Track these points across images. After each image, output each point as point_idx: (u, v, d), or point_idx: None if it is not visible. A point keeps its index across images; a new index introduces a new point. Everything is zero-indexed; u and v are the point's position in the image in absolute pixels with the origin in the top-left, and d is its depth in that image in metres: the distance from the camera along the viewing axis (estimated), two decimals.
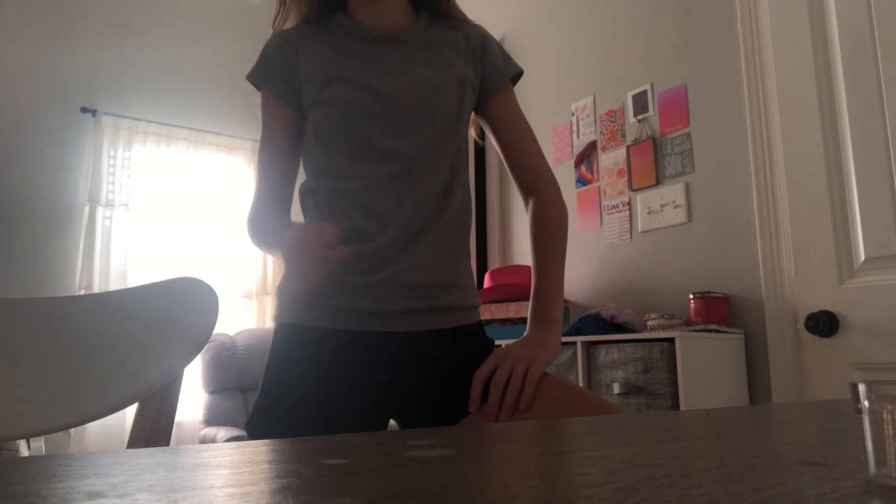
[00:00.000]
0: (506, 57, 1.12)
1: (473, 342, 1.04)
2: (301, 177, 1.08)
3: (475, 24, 1.12)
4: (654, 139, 2.46)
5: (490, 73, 1.09)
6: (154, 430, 0.82)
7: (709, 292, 2.11)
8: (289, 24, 1.07)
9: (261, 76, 1.05)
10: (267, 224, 1.01)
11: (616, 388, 2.03)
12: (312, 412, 0.92)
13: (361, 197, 0.98)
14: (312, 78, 1.02)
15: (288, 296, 1.00)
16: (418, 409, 1.00)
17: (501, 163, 3.21)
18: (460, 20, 1.11)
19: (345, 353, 0.96)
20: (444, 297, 1.01)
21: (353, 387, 0.95)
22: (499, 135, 1.10)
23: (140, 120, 3.81)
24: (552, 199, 1.08)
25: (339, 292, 0.96)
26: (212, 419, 3.34)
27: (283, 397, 0.95)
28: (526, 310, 2.52)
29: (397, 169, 0.99)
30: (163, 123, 3.89)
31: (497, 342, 1.08)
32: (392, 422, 1.04)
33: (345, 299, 0.96)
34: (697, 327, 2.04)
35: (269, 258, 4.10)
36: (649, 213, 2.45)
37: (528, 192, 1.10)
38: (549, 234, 1.06)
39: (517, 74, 1.11)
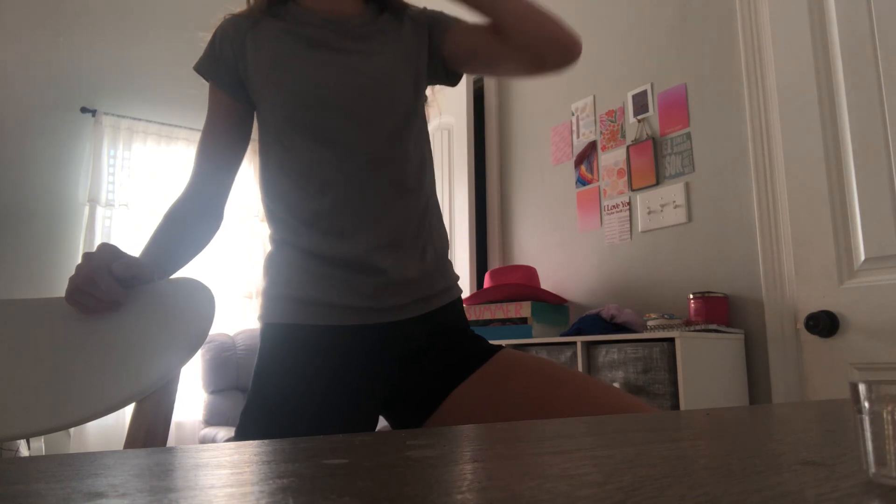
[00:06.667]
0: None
1: (454, 319, 1.06)
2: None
3: (415, 7, 1.10)
4: (654, 139, 2.46)
5: (439, 19, 1.06)
6: (151, 430, 0.82)
7: (709, 292, 2.11)
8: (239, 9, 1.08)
9: (207, 67, 1.07)
10: (157, 227, 1.03)
11: None
12: (300, 413, 0.92)
13: (328, 200, 0.97)
14: (260, 65, 1.01)
15: (272, 295, 1.00)
16: (403, 395, 1.01)
17: (501, 162, 3.22)
18: (404, 7, 1.09)
19: (329, 349, 0.96)
20: (427, 288, 1.03)
21: (339, 382, 0.95)
22: (472, 34, 1.02)
23: (140, 120, 3.81)
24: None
25: (328, 289, 0.97)
26: (212, 419, 3.34)
27: (270, 398, 0.94)
28: (526, 310, 2.52)
29: (361, 163, 0.97)
30: (163, 123, 3.88)
31: (496, 342, 1.09)
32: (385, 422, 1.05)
33: (333, 296, 0.97)
34: (697, 327, 2.04)
35: None
36: (649, 213, 2.45)
37: None
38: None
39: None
